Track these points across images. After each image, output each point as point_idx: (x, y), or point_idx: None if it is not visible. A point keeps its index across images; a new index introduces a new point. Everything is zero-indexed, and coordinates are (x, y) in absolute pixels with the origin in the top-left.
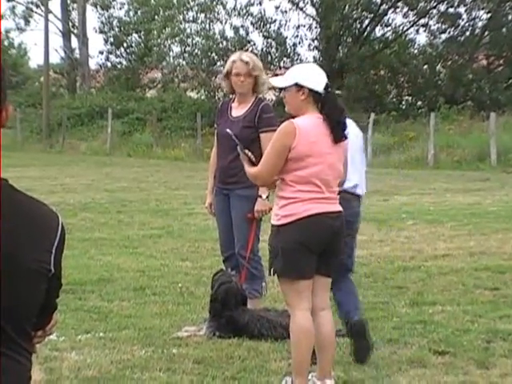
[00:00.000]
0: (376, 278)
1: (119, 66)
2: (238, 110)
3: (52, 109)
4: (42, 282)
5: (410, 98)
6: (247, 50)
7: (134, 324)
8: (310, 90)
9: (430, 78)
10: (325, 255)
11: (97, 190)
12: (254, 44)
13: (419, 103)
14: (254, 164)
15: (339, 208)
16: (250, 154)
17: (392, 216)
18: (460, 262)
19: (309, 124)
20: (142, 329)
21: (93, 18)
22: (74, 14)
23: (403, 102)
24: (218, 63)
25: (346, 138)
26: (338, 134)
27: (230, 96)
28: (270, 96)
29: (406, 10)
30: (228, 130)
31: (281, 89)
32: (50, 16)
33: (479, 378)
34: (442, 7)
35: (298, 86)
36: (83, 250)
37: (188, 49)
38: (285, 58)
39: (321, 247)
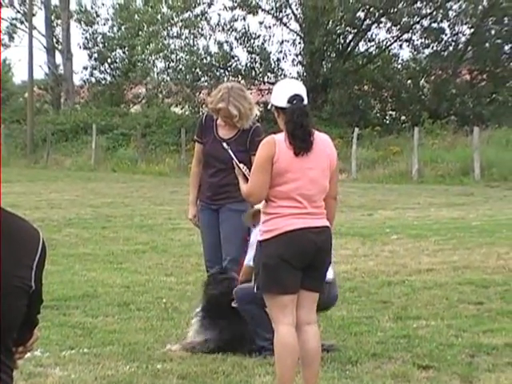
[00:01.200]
0: (360, 293)
1: (103, 82)
2: (225, 131)
3: (36, 124)
4: (22, 298)
5: (394, 112)
6: (230, 66)
7: (118, 339)
8: (276, 107)
9: (413, 92)
10: (309, 270)
11: (81, 206)
12: (238, 59)
13: (403, 118)
14: (248, 180)
15: (324, 223)
16: (245, 168)
17: (376, 230)
18: (444, 276)
19: (285, 138)
20: (127, 344)
21: (77, 33)
22: (58, 30)
23: (387, 117)
24: (202, 79)
25: (305, 151)
26: (297, 147)
27: None
28: (255, 111)
29: (389, 25)
30: (225, 145)
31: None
32: (34, 32)
33: None
34: (426, 22)
35: (271, 106)
36: (68, 265)
37: (172, 64)
38: (269, 73)
39: (303, 262)
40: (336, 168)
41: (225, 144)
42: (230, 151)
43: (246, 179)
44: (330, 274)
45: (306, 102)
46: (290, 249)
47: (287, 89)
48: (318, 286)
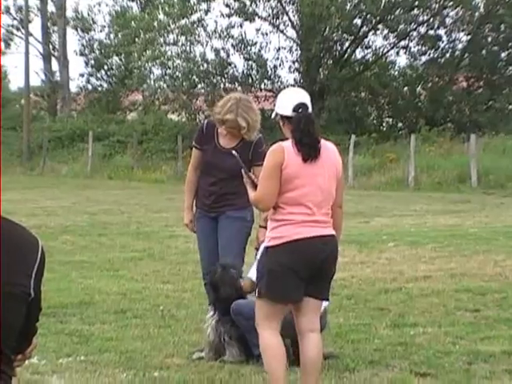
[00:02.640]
0: (357, 300)
1: (100, 89)
2: (226, 140)
3: (32, 131)
4: (21, 306)
5: (391, 119)
6: (227, 72)
7: (115, 347)
8: (282, 116)
9: (410, 99)
10: (315, 279)
11: (77, 213)
12: (235, 66)
13: (400, 125)
14: (256, 187)
15: (331, 232)
16: (253, 176)
17: (373, 238)
18: (441, 283)
19: (293, 146)
20: (124, 352)
21: (73, 40)
22: (55, 37)
23: (384, 124)
24: (199, 85)
25: (313, 158)
26: (305, 154)
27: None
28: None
29: (386, 32)
30: (234, 152)
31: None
32: (31, 39)
33: None
34: (422, 29)
35: (276, 115)
36: (64, 273)
37: (169, 71)
38: (265, 80)
39: (310, 272)
40: (342, 176)
41: (234, 152)
42: (238, 159)
43: (255, 187)
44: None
45: (310, 110)
46: (297, 258)
47: (292, 98)
48: (323, 293)
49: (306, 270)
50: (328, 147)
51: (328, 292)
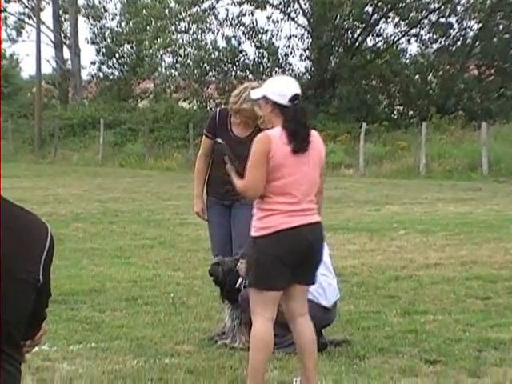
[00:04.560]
0: (368, 288)
1: (111, 77)
2: (239, 129)
3: (44, 119)
4: (30, 292)
5: (402, 107)
6: (238, 60)
7: (125, 334)
8: (274, 103)
9: (421, 87)
10: (303, 265)
11: (89, 201)
12: (246, 54)
13: (411, 113)
14: (240, 175)
15: (317, 219)
16: (237, 164)
17: (384, 226)
18: (451, 271)
19: (281, 135)
20: (134, 339)
21: (85, 28)
22: (66, 25)
23: (395, 112)
24: (210, 73)
25: (304, 150)
26: (296, 146)
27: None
28: None
29: (397, 20)
30: (219, 140)
31: (252, 100)
32: (42, 27)
33: None
34: (434, 17)
35: (266, 99)
36: (75, 260)
37: (180, 59)
38: (276, 68)
39: (296, 260)
40: (323, 164)
41: (219, 139)
42: (225, 146)
43: (239, 175)
44: (332, 297)
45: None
46: (285, 247)
47: (290, 87)
48: (310, 279)
49: (293, 258)
50: (313, 134)
51: (315, 277)
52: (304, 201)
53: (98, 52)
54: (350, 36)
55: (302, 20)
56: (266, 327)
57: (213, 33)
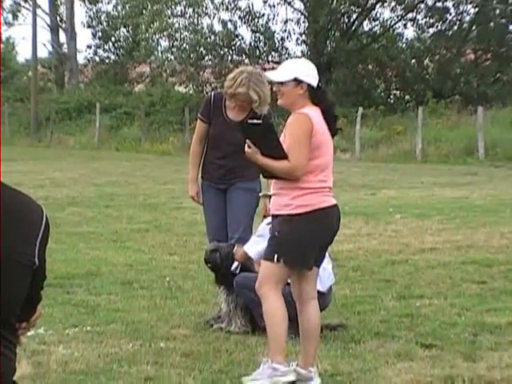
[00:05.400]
0: (363, 272)
1: (107, 61)
2: (234, 113)
3: (40, 103)
4: (26, 275)
5: (398, 92)
6: (235, 45)
7: (121, 318)
8: (308, 85)
9: (417, 72)
10: (325, 247)
11: (85, 184)
12: (242, 38)
13: (407, 97)
14: (281, 158)
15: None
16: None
17: (379, 210)
18: (447, 255)
19: (317, 115)
20: (130, 322)
21: (81, 12)
22: (62, 9)
23: (391, 96)
24: (206, 57)
25: (336, 130)
26: (334, 128)
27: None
28: None
29: (393, 4)
30: (251, 121)
31: (278, 83)
32: (38, 10)
33: (466, 371)
34: (430, 1)
35: (297, 81)
36: (71, 244)
37: (176, 43)
38: (273, 53)
39: (327, 240)
40: None
41: (252, 120)
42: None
43: (275, 157)
44: (327, 282)
45: None
46: (322, 225)
47: (316, 71)
48: (320, 261)
49: (325, 237)
50: None
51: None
52: (330, 181)
53: (94, 36)
54: (347, 20)
55: (299, 4)
56: (280, 300)
57: (209, 17)
